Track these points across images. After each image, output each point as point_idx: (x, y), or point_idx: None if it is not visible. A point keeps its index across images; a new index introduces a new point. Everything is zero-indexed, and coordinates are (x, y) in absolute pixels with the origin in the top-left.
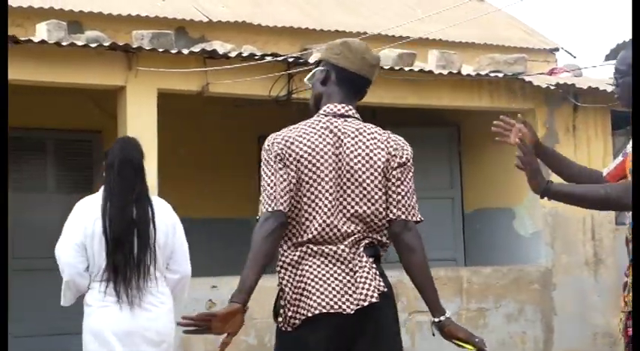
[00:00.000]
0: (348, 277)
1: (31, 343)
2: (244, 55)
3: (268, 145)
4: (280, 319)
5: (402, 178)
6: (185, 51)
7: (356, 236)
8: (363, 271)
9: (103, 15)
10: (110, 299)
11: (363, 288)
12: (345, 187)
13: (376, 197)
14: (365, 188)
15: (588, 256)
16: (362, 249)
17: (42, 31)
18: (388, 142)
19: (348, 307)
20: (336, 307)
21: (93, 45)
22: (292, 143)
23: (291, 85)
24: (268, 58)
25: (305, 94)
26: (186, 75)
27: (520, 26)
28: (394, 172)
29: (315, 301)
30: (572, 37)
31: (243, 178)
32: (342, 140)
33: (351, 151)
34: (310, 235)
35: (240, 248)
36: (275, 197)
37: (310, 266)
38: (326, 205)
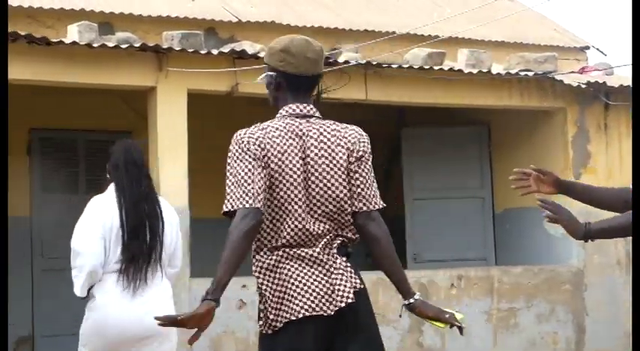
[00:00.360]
0: (325, 279)
1: (60, 342)
2: None
3: (242, 141)
4: (261, 322)
5: (360, 171)
6: (214, 51)
7: (328, 237)
8: (339, 273)
9: (134, 16)
10: (120, 290)
11: (340, 289)
12: (311, 189)
13: (341, 195)
14: (330, 188)
15: (620, 256)
16: (335, 250)
17: (73, 33)
18: (346, 138)
19: (328, 308)
20: (317, 309)
21: (123, 46)
22: (264, 147)
23: (321, 84)
24: None
25: (335, 93)
26: (215, 75)
27: (550, 24)
28: (352, 167)
29: (297, 304)
30: (603, 35)
31: None
32: (306, 143)
33: (315, 154)
34: (284, 240)
35: None
36: (253, 194)
37: (289, 270)
38: (296, 210)
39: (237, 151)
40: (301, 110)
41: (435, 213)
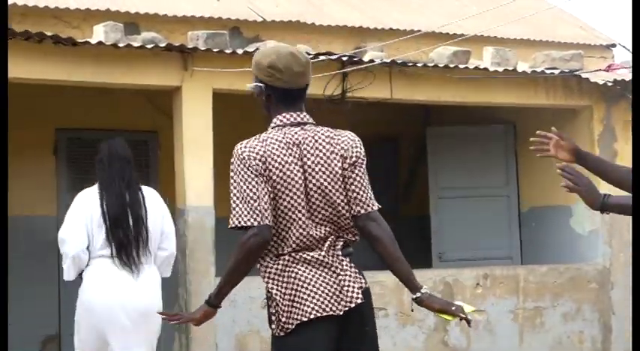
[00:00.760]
0: (333, 280)
1: None
2: None
3: (244, 157)
4: (273, 325)
5: (354, 176)
6: (240, 51)
7: (330, 239)
8: (346, 274)
9: (159, 16)
10: (108, 274)
11: (348, 290)
12: (310, 195)
13: (338, 201)
14: (327, 194)
15: None
16: (339, 252)
17: (99, 33)
18: (339, 144)
19: (337, 308)
20: (328, 309)
21: (149, 46)
22: (266, 162)
23: (346, 83)
24: (322, 57)
25: (360, 92)
26: (241, 74)
27: (576, 22)
28: (346, 172)
29: (308, 306)
30: (629, 33)
31: None
32: (303, 151)
33: (312, 162)
34: (289, 247)
35: None
36: (260, 211)
37: (297, 273)
38: (300, 218)
39: (238, 166)
40: (295, 119)
41: (461, 212)
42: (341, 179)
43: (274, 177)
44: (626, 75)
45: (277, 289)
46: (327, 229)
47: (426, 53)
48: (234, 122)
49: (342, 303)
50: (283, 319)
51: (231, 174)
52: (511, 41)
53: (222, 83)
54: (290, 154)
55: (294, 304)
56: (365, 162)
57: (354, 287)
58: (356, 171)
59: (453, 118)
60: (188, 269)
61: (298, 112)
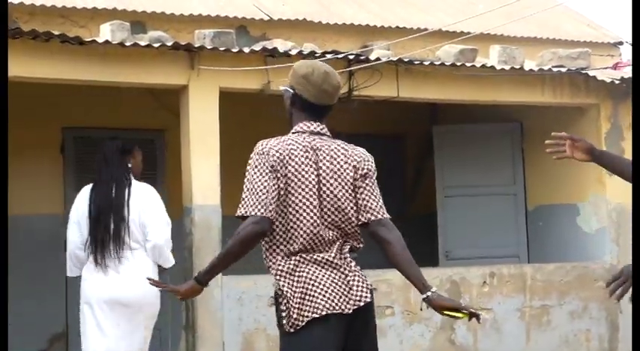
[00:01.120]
0: (342, 280)
1: None
2: (305, 52)
3: (264, 152)
4: (284, 321)
5: (365, 186)
6: (246, 49)
7: (339, 242)
8: (354, 275)
9: (165, 15)
10: (95, 269)
11: (357, 290)
12: (322, 199)
13: (348, 208)
14: (338, 200)
15: None
16: (347, 255)
17: (105, 32)
18: (352, 157)
19: (346, 307)
20: (337, 307)
21: (156, 45)
22: (284, 159)
23: (352, 82)
24: (329, 56)
25: (366, 91)
26: (247, 73)
27: (583, 20)
28: (357, 183)
29: (319, 302)
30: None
31: None
32: (319, 156)
33: (327, 167)
34: (300, 245)
35: None
36: (266, 204)
37: (307, 272)
38: (312, 217)
39: (257, 160)
40: (315, 128)
41: (467, 210)
42: (352, 188)
43: (289, 174)
44: None
45: (288, 287)
46: (336, 233)
47: (433, 51)
48: (240, 121)
49: (351, 302)
50: (294, 316)
51: (248, 167)
52: (518, 39)
53: (229, 82)
54: (307, 157)
55: (305, 301)
56: (376, 176)
57: (362, 287)
58: (367, 181)
59: (459, 117)
60: (194, 267)
61: (319, 123)
